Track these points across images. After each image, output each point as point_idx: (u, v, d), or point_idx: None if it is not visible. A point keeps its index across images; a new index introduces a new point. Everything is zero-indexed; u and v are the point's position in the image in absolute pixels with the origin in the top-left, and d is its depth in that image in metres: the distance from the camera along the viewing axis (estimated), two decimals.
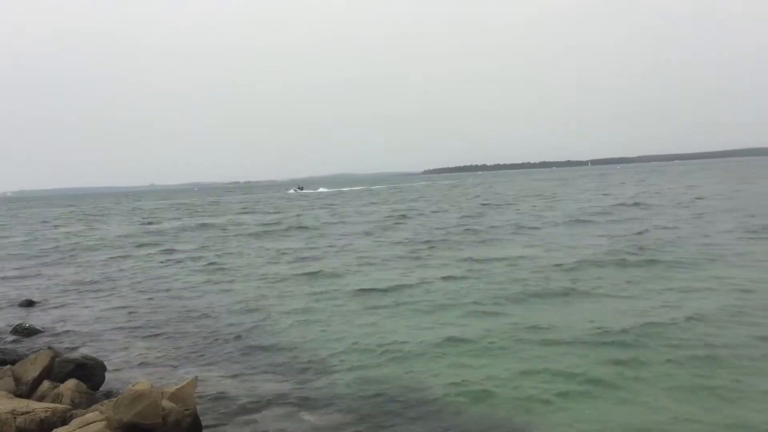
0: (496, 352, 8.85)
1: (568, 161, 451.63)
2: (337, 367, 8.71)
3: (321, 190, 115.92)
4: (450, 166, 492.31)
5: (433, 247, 20.63)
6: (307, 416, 7.02)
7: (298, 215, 43.06)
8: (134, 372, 8.83)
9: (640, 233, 20.60)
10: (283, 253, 21.22)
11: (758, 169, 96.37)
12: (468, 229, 25.52)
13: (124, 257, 22.86)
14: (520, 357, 8.56)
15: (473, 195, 62.95)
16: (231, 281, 16.21)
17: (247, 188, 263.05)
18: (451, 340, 9.46)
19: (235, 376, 8.55)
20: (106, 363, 8.45)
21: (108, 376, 8.25)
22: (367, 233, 26.89)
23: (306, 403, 7.37)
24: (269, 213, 49.43)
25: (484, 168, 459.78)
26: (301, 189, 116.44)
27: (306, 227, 31.68)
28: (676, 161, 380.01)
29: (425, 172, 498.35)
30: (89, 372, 7.80)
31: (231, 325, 11.42)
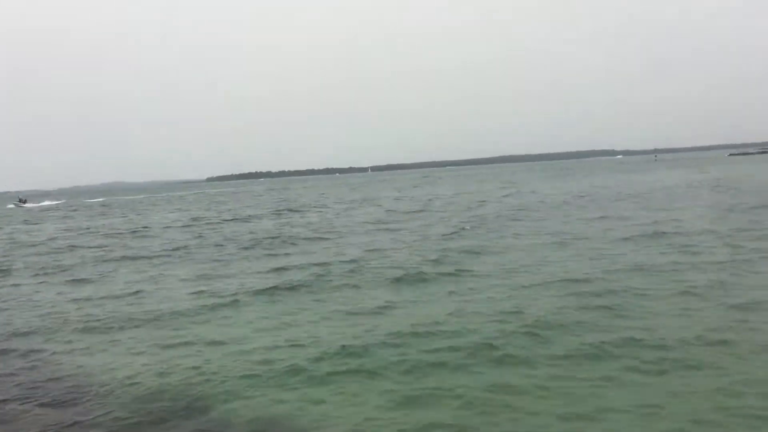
0: None
1: (351, 168, 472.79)
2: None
3: (45, 203, 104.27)
4: (236, 173, 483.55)
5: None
6: None
7: None
8: None
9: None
10: None
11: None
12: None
13: None
14: None
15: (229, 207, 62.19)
16: None
17: None
18: None
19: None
20: None
21: None
22: None
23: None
24: None
25: (269, 175, 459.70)
26: (24, 202, 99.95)
27: None
28: (448, 167, 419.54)
29: (209, 180, 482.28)
30: None
31: None
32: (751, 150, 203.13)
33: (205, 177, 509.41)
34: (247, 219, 35.76)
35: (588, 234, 19.23)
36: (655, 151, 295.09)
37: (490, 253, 16.55)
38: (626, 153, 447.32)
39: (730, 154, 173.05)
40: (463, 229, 22.69)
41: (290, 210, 41.69)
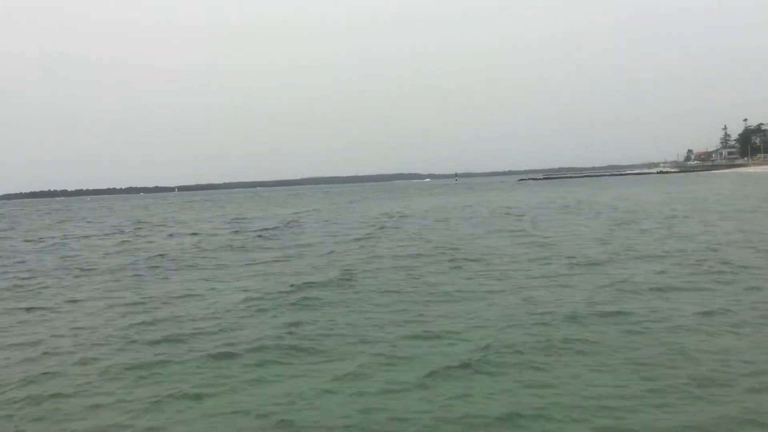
0: None
1: (156, 187, 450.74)
2: None
3: None
4: (25, 191, 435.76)
5: None
6: None
7: None
8: None
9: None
10: None
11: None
12: None
13: None
14: None
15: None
16: None
17: None
18: None
19: None
20: None
21: None
22: None
23: None
24: None
25: (65, 194, 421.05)
26: None
27: None
28: (258, 188, 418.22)
29: None
30: None
31: None
32: (537, 176, 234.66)
33: None
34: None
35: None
36: (456, 175, 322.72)
37: None
38: (432, 177, 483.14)
39: (520, 180, 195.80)
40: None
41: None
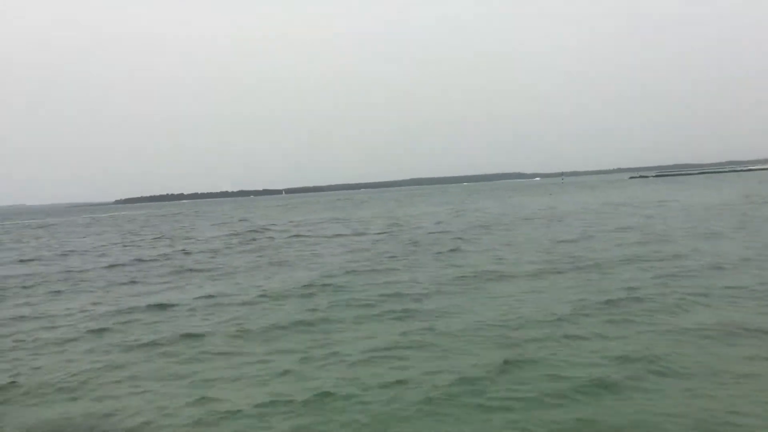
0: None
1: (265, 189, 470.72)
2: None
3: None
4: (146, 195, 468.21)
5: None
6: None
7: None
8: None
9: None
10: None
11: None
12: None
13: None
14: None
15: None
16: None
17: None
18: None
19: None
20: None
21: None
22: None
23: None
24: None
25: (181, 197, 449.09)
26: None
27: None
28: (362, 189, 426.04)
29: (117, 202, 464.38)
30: None
31: None
32: (648, 173, 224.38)
33: (113, 200, 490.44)
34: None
35: None
36: (562, 174, 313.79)
37: None
38: (533, 176, 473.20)
39: (630, 177, 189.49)
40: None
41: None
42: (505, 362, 9.01)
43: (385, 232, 34.47)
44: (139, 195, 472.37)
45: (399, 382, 8.53)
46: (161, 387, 9.05)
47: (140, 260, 27.06)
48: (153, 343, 11.52)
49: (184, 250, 30.77)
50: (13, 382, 9.67)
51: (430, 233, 32.13)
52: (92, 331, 12.90)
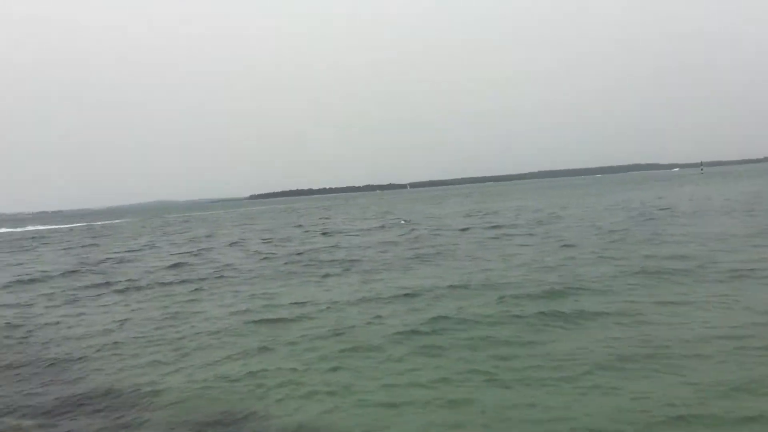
0: None
1: (390, 184, 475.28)
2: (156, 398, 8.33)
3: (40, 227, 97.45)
4: (277, 190, 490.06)
5: None
6: None
7: None
8: None
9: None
10: None
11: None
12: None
13: None
14: None
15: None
16: None
17: None
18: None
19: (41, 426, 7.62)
20: None
21: None
22: None
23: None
24: None
25: (310, 192, 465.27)
26: None
27: None
28: (488, 182, 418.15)
29: (251, 197, 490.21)
30: None
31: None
32: None
33: (247, 195, 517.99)
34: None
35: None
36: (702, 164, 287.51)
37: None
38: (670, 166, 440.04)
39: None
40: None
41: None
42: None
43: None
44: (269, 191, 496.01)
45: None
46: None
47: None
48: None
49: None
50: None
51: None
52: None
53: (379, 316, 11.95)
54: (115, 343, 11.58)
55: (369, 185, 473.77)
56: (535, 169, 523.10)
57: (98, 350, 11.14)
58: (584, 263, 16.79)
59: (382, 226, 39.36)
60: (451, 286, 14.47)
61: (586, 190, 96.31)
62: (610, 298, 12.23)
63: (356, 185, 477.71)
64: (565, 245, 21.18)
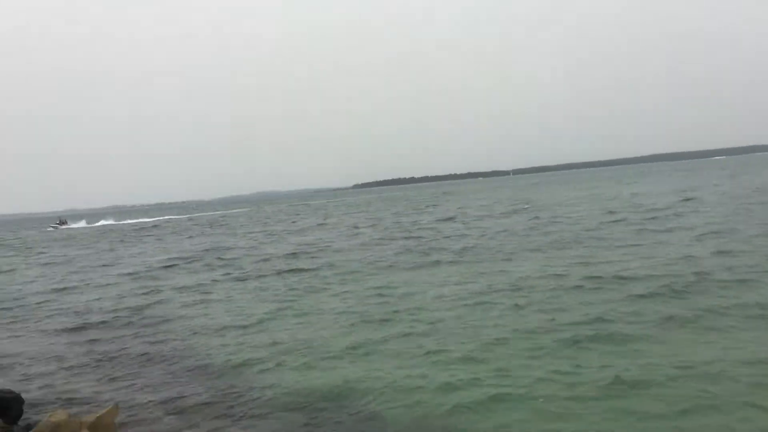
0: None
1: (493, 171, 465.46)
2: (267, 380, 8.73)
3: (81, 224, 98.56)
4: (379, 179, 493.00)
5: None
6: None
7: None
8: (56, 403, 8.44)
9: None
10: None
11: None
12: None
13: None
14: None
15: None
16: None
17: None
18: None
19: (163, 402, 8.17)
20: (25, 395, 7.88)
21: (28, 408, 7.81)
22: None
23: (239, 423, 7.34)
24: None
25: (412, 181, 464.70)
26: (63, 224, 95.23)
27: None
28: (603, 167, 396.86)
29: (355, 187, 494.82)
30: (5, 406, 7.40)
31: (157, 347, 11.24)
32: None
33: (351, 184, 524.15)
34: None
35: None
36: None
37: None
38: None
39: None
40: None
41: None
42: None
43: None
44: (372, 180, 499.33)
45: None
46: None
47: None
48: None
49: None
50: None
51: None
52: None
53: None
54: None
55: (470, 173, 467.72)
56: (648, 153, 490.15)
57: None
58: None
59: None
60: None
61: (709, 172, 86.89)
62: None
63: (457, 173, 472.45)
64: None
